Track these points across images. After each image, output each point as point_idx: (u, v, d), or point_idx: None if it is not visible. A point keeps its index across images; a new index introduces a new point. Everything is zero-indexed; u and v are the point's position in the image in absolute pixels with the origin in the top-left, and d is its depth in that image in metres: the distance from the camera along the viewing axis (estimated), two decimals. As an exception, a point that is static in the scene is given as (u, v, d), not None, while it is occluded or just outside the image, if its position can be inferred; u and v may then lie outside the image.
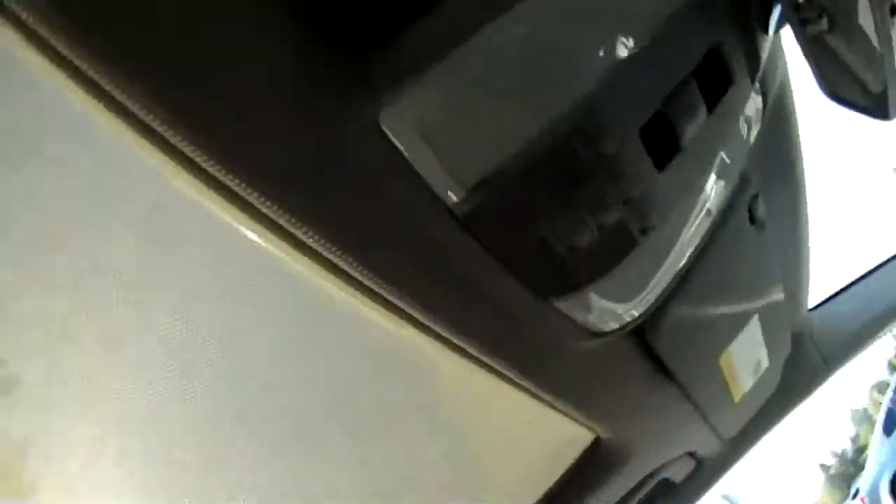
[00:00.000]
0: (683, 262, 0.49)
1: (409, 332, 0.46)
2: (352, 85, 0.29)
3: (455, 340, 0.47)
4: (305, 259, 0.35)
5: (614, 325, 0.48)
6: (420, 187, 0.33)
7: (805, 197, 0.67)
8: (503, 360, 0.50)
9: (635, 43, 0.35)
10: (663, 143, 0.39)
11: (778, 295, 0.68)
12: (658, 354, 0.55)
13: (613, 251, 0.41)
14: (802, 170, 0.64)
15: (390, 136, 0.31)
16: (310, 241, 0.33)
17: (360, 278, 0.36)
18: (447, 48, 0.30)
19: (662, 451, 0.76)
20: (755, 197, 0.55)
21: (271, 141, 0.29)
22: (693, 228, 0.49)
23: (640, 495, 0.83)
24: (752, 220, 0.56)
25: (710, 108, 0.40)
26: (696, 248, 0.49)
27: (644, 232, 0.41)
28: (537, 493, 0.77)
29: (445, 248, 0.37)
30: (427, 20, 0.28)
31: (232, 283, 0.39)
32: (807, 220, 0.71)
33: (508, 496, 0.77)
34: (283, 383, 0.47)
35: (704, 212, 0.49)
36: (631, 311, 0.48)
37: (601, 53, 0.34)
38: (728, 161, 0.48)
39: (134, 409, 0.42)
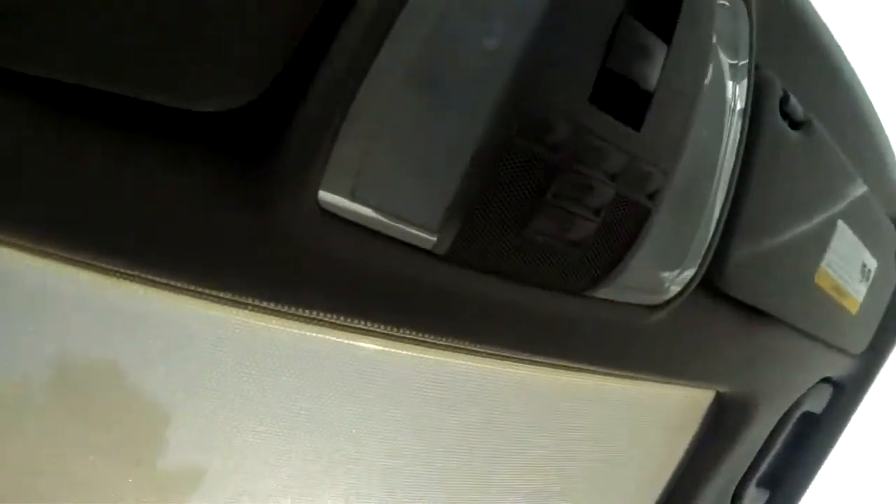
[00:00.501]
0: (723, 200, 0.44)
1: (473, 363, 0.47)
2: (279, 184, 0.28)
3: (529, 359, 0.47)
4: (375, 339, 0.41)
5: (675, 290, 0.44)
6: (393, 246, 0.32)
7: (849, 67, 0.60)
8: (579, 360, 0.48)
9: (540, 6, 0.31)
10: (631, 95, 0.34)
11: (858, 189, 0.61)
12: (740, 300, 0.51)
13: (625, 230, 0.37)
14: (831, 38, 0.57)
15: (337, 213, 0.30)
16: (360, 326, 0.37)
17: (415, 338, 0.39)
18: (345, 104, 0.27)
19: (790, 388, 0.71)
20: (785, 98, 0.49)
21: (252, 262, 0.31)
22: (728, 154, 0.44)
23: (783, 435, 0.78)
24: (793, 124, 0.51)
25: (668, 37, 0.35)
26: (733, 181, 0.44)
27: (653, 197, 0.37)
28: (673, 463, 0.75)
29: (455, 288, 0.36)
30: (313, 88, 0.27)
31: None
32: (864, 93, 0.63)
33: (646, 478, 0.75)
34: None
35: (735, 126, 0.44)
36: (685, 271, 0.44)
37: (504, 36, 0.31)
38: (736, 61, 0.43)
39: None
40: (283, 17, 0.25)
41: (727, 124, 0.43)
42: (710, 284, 0.48)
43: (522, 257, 0.36)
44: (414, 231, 0.33)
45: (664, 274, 0.43)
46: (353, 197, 0.30)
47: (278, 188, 0.28)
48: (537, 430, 0.63)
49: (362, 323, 0.37)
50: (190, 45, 0.23)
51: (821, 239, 0.57)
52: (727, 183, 0.44)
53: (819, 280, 0.59)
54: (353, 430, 0.49)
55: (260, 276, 0.31)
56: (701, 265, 0.45)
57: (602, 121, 0.33)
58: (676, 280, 0.45)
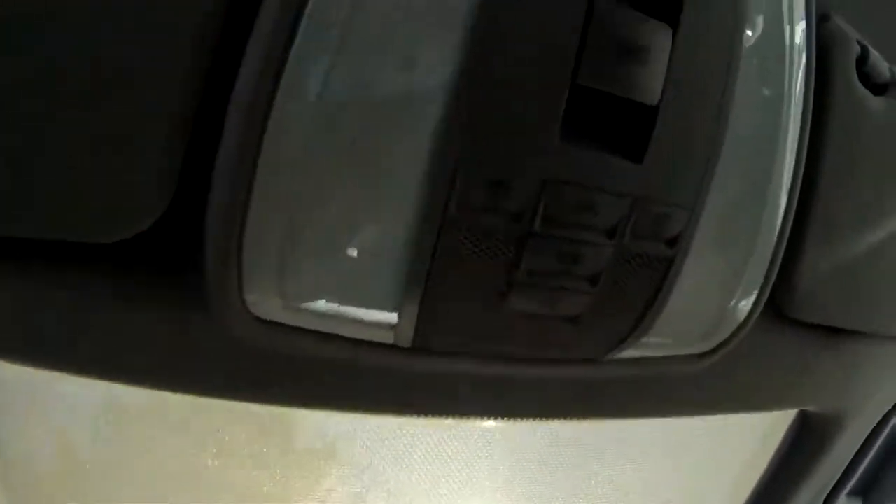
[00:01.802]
0: (786, 206, 0.34)
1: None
2: (205, 297, 0.25)
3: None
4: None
5: (730, 329, 0.35)
6: (350, 343, 0.28)
7: None
8: (616, 417, 0.41)
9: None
10: (625, 114, 0.25)
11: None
12: (817, 323, 0.41)
13: (640, 290, 0.29)
14: None
15: (275, 317, 0.27)
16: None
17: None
18: (242, 206, 0.23)
19: (885, 398, 0.61)
20: (863, 58, 0.38)
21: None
22: (788, 145, 0.34)
23: (877, 445, 0.68)
24: (876, 88, 0.39)
25: (674, 15, 0.25)
26: (798, 180, 0.34)
27: (674, 242, 0.28)
28: (752, 482, 0.67)
29: (435, 373, 0.31)
30: (209, 199, 0.23)
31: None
32: None
33: (725, 497, 0.69)
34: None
35: (795, 109, 0.34)
36: (740, 304, 0.34)
37: (420, 72, 0.23)
38: (790, 25, 0.32)
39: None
40: (166, 141, 0.23)
41: (783, 109, 0.33)
42: (778, 310, 0.39)
43: (508, 339, 0.29)
44: (363, 328, 0.27)
45: (711, 317, 0.34)
46: (283, 299, 0.26)
47: (206, 300, 0.25)
48: (602, 459, 0.60)
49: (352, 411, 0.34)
50: (83, 185, 0.22)
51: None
52: (789, 184, 0.34)
53: None
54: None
55: (224, 377, 0.30)
56: (761, 294, 0.35)
57: (582, 162, 0.24)
58: (730, 319, 0.35)
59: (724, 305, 0.35)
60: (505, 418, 0.37)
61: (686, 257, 0.29)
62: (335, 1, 0.21)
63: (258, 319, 0.26)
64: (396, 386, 0.31)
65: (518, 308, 0.27)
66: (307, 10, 0.21)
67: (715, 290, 0.34)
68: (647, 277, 0.28)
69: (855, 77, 0.37)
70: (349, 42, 0.22)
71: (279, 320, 0.27)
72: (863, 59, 0.38)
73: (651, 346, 0.34)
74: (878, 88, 0.40)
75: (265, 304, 0.26)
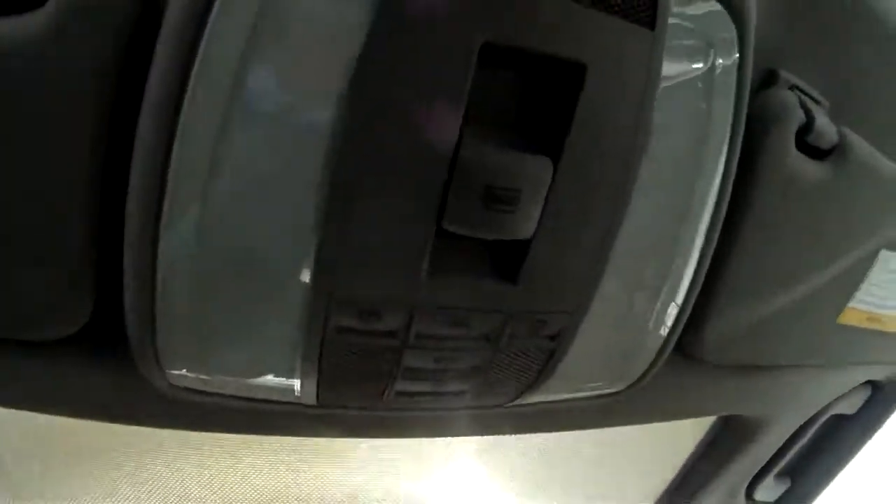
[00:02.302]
0: (694, 273, 0.34)
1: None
2: (139, 375, 0.28)
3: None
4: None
5: (634, 376, 0.38)
6: (263, 402, 0.31)
7: None
8: (535, 432, 0.44)
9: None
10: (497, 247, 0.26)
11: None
12: (728, 364, 0.44)
13: (522, 372, 0.31)
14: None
15: (195, 386, 0.29)
16: None
17: None
18: (149, 309, 0.25)
19: (810, 405, 0.64)
20: (807, 126, 0.37)
21: None
22: (700, 223, 0.34)
23: (806, 437, 0.71)
24: (819, 153, 0.38)
25: (556, 145, 0.24)
26: (708, 251, 0.34)
27: (555, 337, 0.29)
28: (679, 461, 0.73)
29: (345, 417, 0.35)
30: (125, 303, 0.25)
31: None
32: None
33: (650, 472, 0.76)
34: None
35: (710, 197, 0.34)
36: (641, 359, 0.37)
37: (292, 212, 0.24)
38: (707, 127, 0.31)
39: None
40: (79, 265, 0.25)
41: (695, 194, 0.33)
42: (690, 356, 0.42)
43: (401, 405, 0.32)
44: (269, 393, 0.30)
45: (610, 372, 0.37)
46: (197, 375, 0.29)
47: (140, 377, 0.28)
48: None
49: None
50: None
51: (850, 280, 0.48)
52: (697, 259, 0.35)
53: (844, 319, 0.50)
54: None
55: (163, 417, 0.34)
56: (665, 345, 0.37)
57: (450, 290, 0.25)
58: (633, 370, 0.38)
59: (623, 365, 0.37)
60: (415, 437, 0.40)
61: (570, 345, 0.30)
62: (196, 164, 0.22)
63: (183, 388, 0.29)
64: (307, 423, 0.35)
65: (404, 390, 0.29)
66: (176, 141, 0.22)
67: (612, 352, 0.36)
68: (529, 363, 0.30)
69: (791, 150, 0.36)
70: (221, 178, 0.23)
71: (199, 388, 0.29)
72: (807, 127, 0.37)
73: (551, 394, 0.36)
74: (821, 153, 0.39)
75: (185, 378, 0.29)
